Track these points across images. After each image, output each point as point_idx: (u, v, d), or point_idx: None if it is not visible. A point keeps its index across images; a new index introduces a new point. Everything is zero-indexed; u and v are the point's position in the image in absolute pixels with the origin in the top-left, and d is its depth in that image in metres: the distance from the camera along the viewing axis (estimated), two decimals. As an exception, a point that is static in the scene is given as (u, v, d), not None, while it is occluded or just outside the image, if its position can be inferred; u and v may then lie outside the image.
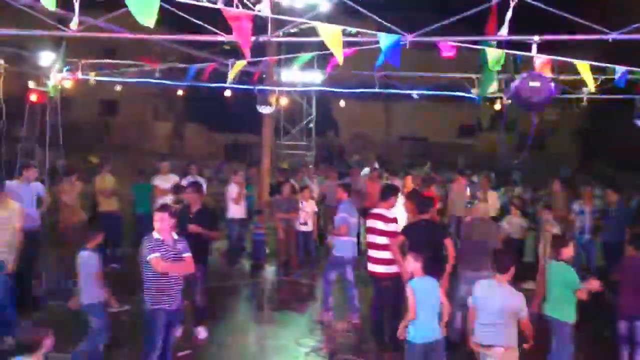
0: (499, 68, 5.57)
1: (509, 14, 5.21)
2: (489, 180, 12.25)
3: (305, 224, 10.65)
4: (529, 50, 5.63)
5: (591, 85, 6.74)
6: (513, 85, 5.15)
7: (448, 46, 5.35)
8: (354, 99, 22.05)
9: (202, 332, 7.38)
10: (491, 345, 5.11)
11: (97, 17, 6.12)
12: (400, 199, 8.17)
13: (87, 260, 6.16)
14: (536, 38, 5.25)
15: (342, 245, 7.92)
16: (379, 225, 7.13)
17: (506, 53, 6.00)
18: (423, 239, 6.67)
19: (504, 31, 5.22)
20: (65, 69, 9.29)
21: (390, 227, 7.07)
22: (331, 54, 5.24)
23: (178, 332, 6.58)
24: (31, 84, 9.12)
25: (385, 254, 7.06)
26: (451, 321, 6.93)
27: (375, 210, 7.34)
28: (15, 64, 9.44)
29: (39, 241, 8.88)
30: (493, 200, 11.59)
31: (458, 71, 10.90)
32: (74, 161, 13.63)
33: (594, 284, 5.78)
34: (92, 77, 9.81)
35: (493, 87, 7.37)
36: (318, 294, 9.22)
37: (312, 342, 7.57)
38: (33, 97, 9.07)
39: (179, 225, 6.52)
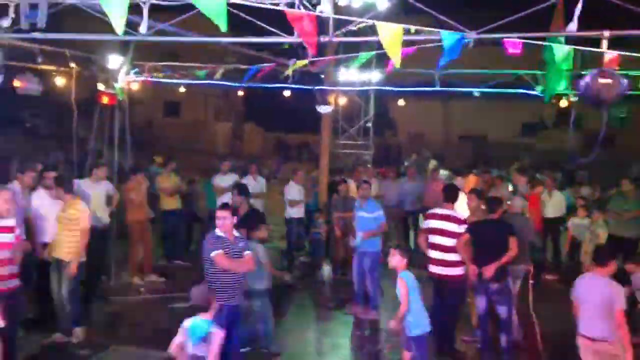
0: (568, 65, 5.39)
1: (579, 9, 5.03)
2: (554, 180, 11.83)
3: None
4: (597, 46, 5.43)
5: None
6: (582, 82, 4.97)
7: (514, 43, 5.21)
8: (412, 98, 21.81)
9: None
10: (596, 338, 5.17)
11: (162, 21, 6.32)
12: (462, 198, 8.02)
13: (258, 250, 6.70)
14: (606, 33, 5.05)
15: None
16: (451, 227, 6.95)
17: (575, 50, 5.81)
18: (490, 238, 6.69)
19: (572, 26, 5.04)
20: (132, 72, 9.63)
21: (462, 228, 6.88)
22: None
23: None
24: (100, 87, 9.48)
25: (452, 256, 6.94)
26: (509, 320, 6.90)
27: (443, 211, 7.14)
28: (85, 67, 9.84)
29: (108, 238, 9.27)
30: (558, 201, 11.24)
31: (519, 68, 10.61)
32: (140, 160, 14.10)
33: None
34: (158, 79, 10.13)
35: (563, 84, 7.11)
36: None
37: (369, 341, 7.59)
38: (103, 99, 9.43)
39: None
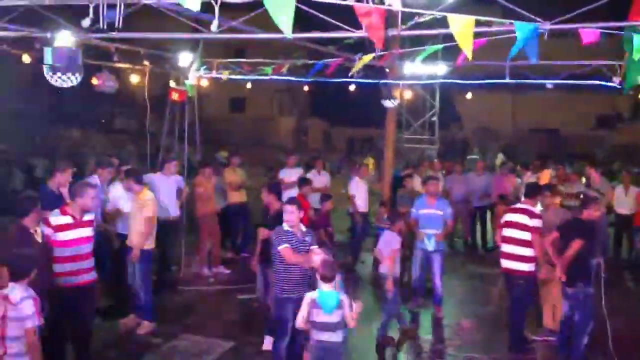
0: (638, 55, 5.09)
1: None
2: (630, 175, 11.29)
3: None
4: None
5: None
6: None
7: (590, 33, 4.99)
8: (480, 91, 21.31)
9: (267, 343, 6.77)
10: None
11: (229, 18, 6.44)
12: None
13: (391, 238, 7.20)
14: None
15: None
16: (523, 219, 6.89)
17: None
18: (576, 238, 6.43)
19: (653, 14, 4.77)
20: (202, 69, 9.86)
21: (535, 222, 6.83)
22: (459, 47, 5.13)
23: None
24: (172, 83, 9.77)
25: (525, 251, 6.83)
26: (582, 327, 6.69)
27: (520, 205, 7.18)
28: (157, 65, 10.17)
29: (178, 230, 9.59)
30: (634, 197, 10.72)
31: (594, 58, 10.16)
32: (208, 155, 14.48)
33: None
34: (226, 76, 10.34)
35: None
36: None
37: (431, 335, 7.53)
38: (174, 96, 9.72)
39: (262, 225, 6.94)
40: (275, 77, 10.24)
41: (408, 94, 15.78)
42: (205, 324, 7.66)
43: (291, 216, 5.88)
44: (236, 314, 8.20)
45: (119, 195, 7.85)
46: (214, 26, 4.85)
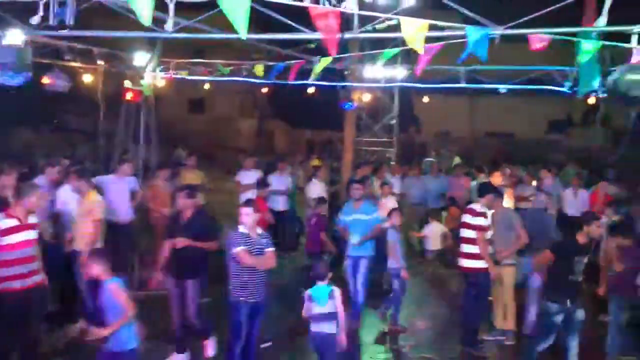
0: (597, 61, 5.28)
1: (608, 3, 4.92)
2: (580, 179, 11.64)
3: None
4: (627, 41, 5.31)
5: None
6: (610, 78, 4.88)
7: (539, 38, 5.12)
8: (438, 95, 21.64)
9: (209, 348, 6.74)
10: None
11: (188, 18, 6.36)
12: None
13: (391, 233, 7.79)
14: (636, 29, 4.94)
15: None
16: (468, 218, 7.18)
17: (605, 45, 5.70)
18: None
19: (602, 21, 4.94)
20: (158, 69, 9.72)
21: (478, 220, 7.05)
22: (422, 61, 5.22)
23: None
24: (127, 83, 9.59)
25: (475, 249, 7.05)
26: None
27: (470, 205, 7.47)
28: (112, 64, 9.98)
29: (132, 234, 9.38)
30: (584, 199, 11.05)
31: (548, 64, 10.45)
32: (165, 157, 14.25)
33: None
34: (183, 76, 10.21)
35: (597, 81, 6.98)
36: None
37: (387, 336, 7.60)
38: (129, 96, 9.55)
39: (168, 234, 6.53)
40: (233, 78, 10.18)
41: (367, 97, 15.85)
42: (156, 329, 7.50)
43: (247, 218, 5.84)
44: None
45: (67, 197, 7.57)
46: (168, 25, 4.79)
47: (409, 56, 10.28)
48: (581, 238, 6.13)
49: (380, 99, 18.77)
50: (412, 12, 5.83)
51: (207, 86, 12.84)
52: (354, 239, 7.74)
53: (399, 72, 13.17)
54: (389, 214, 8.05)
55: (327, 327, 5.59)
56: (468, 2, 5.92)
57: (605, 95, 6.55)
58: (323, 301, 5.59)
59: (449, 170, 14.52)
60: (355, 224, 7.86)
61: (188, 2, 5.01)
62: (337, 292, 5.65)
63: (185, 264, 6.38)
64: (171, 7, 4.63)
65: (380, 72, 12.90)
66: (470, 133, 30.96)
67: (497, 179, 9.83)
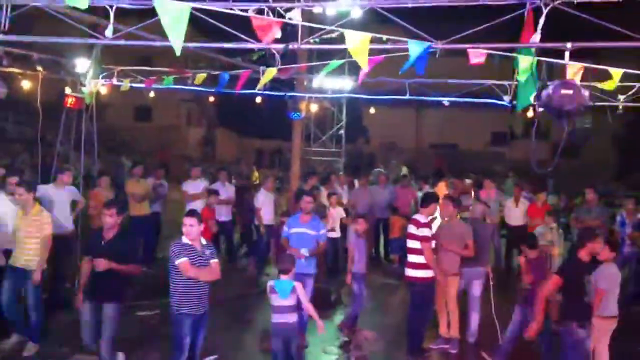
0: (533, 76, 5.48)
1: (542, 21, 5.13)
2: (520, 189, 12.03)
3: (333, 230, 10.59)
4: (563, 57, 5.54)
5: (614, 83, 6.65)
6: (545, 92, 5.07)
7: (477, 53, 5.29)
8: (385, 106, 21.96)
9: None
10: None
11: (132, 25, 6.25)
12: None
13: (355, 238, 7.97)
14: (569, 45, 5.16)
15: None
16: (413, 229, 7.23)
17: (541, 61, 5.93)
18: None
19: (536, 38, 5.15)
20: (100, 76, 9.48)
21: (422, 231, 7.12)
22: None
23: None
24: (67, 90, 9.32)
25: (419, 259, 7.13)
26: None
27: (414, 216, 7.51)
28: (52, 71, 9.67)
29: (72, 244, 9.08)
30: (524, 210, 11.41)
31: (491, 77, 10.77)
32: (109, 165, 13.93)
33: None
34: (126, 84, 10.00)
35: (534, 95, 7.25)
36: (346, 300, 9.22)
37: (338, 348, 7.58)
38: (69, 102, 9.27)
39: (90, 253, 6.13)
40: (179, 87, 10.04)
41: (315, 107, 15.94)
42: (99, 343, 7.27)
43: (191, 229, 5.74)
44: (134, 331, 7.86)
45: (3, 209, 7.24)
46: (108, 31, 4.68)
47: (356, 68, 10.40)
48: (584, 256, 5.89)
49: (329, 110, 18.93)
50: (361, 26, 5.92)
51: (152, 94, 12.58)
52: (304, 252, 7.35)
53: (347, 83, 13.33)
54: (354, 221, 8.21)
55: (289, 318, 6.03)
56: (412, 17, 6.07)
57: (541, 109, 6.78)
58: (284, 294, 5.99)
59: (396, 180, 14.73)
60: (301, 238, 7.53)
61: (130, 9, 4.92)
62: (299, 287, 6.04)
63: (103, 287, 6.02)
64: (112, 13, 4.53)
65: (328, 83, 13.02)
66: (416, 144, 31.60)
67: (442, 189, 10.05)
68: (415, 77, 9.98)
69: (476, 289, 7.60)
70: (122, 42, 5.64)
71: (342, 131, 18.89)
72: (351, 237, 8.11)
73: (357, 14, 6.63)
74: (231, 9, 4.65)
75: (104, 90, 10.05)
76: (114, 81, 9.81)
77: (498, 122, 28.22)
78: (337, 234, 10.75)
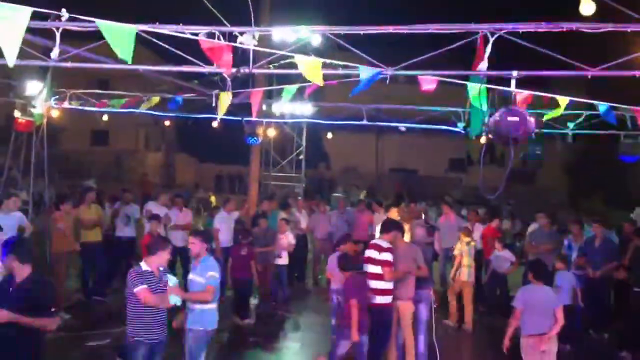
0: (480, 103, 5.61)
1: (489, 50, 5.27)
2: (476, 214, 12.20)
3: (280, 257, 10.48)
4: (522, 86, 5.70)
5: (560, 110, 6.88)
6: (492, 119, 5.18)
7: (428, 80, 5.38)
8: (346, 132, 22.18)
9: None
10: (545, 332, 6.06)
11: (80, 47, 6.14)
12: None
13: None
14: (515, 73, 5.31)
15: None
16: (374, 254, 7.12)
17: (491, 88, 6.08)
18: None
19: (483, 66, 5.27)
20: (52, 99, 9.29)
21: (383, 256, 7.04)
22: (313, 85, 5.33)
23: None
24: (17, 113, 9.08)
25: (378, 284, 7.04)
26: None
27: (373, 241, 7.43)
28: (1, 93, 9.44)
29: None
30: (480, 234, 11.55)
31: (447, 105, 10.99)
32: (66, 190, 13.58)
33: None
34: (76, 107, 9.81)
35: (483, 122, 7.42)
36: (289, 327, 9.26)
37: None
38: (19, 126, 9.04)
39: None
40: (133, 110, 9.90)
41: (272, 132, 15.96)
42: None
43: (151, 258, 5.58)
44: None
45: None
46: (54, 53, 4.59)
47: (315, 93, 10.47)
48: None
49: (289, 135, 18.97)
50: (316, 52, 5.97)
51: (105, 117, 12.35)
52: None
53: (307, 108, 13.38)
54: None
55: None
56: (368, 45, 6.15)
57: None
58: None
59: (355, 205, 14.78)
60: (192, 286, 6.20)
61: (76, 31, 4.83)
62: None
63: (3, 343, 4.72)
64: (57, 35, 4.44)
65: (288, 107, 13.05)
66: (376, 169, 31.91)
67: (394, 214, 10.08)
68: (372, 103, 10.12)
69: (423, 312, 7.59)
70: (71, 64, 5.53)
71: (302, 156, 18.93)
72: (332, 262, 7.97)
73: (316, 41, 6.70)
74: (182, 32, 4.61)
75: (55, 114, 9.82)
76: (66, 104, 9.61)
77: (456, 148, 28.77)
78: (284, 261, 10.62)
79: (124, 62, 6.39)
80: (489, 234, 10.95)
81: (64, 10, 4.41)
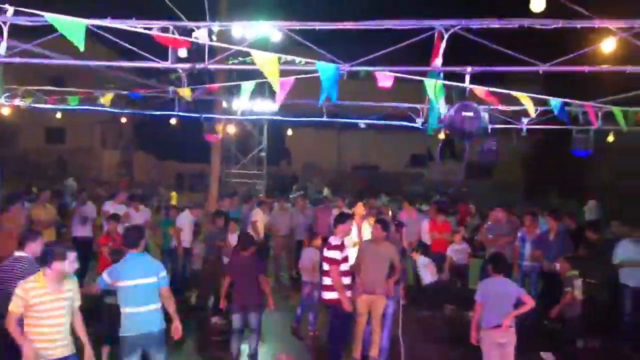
0: (437, 99, 5.67)
1: (443, 45, 5.34)
2: (436, 209, 12.35)
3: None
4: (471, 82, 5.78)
5: (532, 112, 6.97)
6: (447, 114, 5.25)
7: (385, 76, 5.42)
8: (307, 128, 22.16)
9: None
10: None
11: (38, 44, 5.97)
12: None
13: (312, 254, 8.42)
14: (469, 69, 5.39)
15: None
16: (324, 251, 7.19)
17: (447, 84, 6.16)
18: None
19: (438, 62, 5.34)
20: (3, 96, 8.99)
21: (330, 253, 7.05)
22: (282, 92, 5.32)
23: None
24: (-37, 111, 8.76)
25: (330, 281, 7.07)
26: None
27: (329, 238, 7.38)
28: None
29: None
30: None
31: (406, 101, 11.08)
32: (20, 190, 13.21)
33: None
34: (28, 104, 9.53)
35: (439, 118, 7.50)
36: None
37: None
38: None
39: None
40: (85, 107, 9.65)
41: (232, 129, 15.81)
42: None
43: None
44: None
45: None
46: (1, 49, 4.44)
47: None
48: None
49: (250, 132, 18.87)
50: (275, 49, 5.92)
51: (58, 115, 12.03)
52: None
53: (268, 105, 13.29)
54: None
55: None
56: (326, 42, 6.15)
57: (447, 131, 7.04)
58: None
59: (315, 202, 14.78)
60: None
61: (26, 26, 4.68)
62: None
63: None
64: (5, 30, 4.30)
65: (249, 104, 12.93)
66: (338, 165, 32.01)
67: (359, 209, 10.10)
68: (331, 100, 10.13)
69: (390, 307, 7.67)
70: (17, 59, 5.37)
71: (263, 153, 18.86)
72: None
73: (276, 37, 6.66)
74: (134, 27, 4.52)
75: (6, 111, 9.51)
76: (17, 101, 9.32)
77: (417, 144, 29.07)
78: None
79: (76, 57, 6.26)
80: (436, 229, 11.17)
81: (7, 5, 4.28)
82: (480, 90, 6.26)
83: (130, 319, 5.45)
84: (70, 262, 4.70)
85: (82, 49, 3.97)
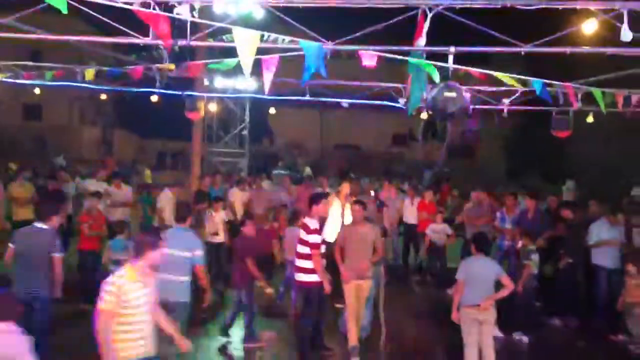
0: (420, 79, 5.67)
1: (427, 25, 5.33)
2: (415, 189, 12.46)
3: (216, 234, 10.29)
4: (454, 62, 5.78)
5: (518, 87, 7.01)
6: (430, 95, 5.26)
7: (369, 55, 5.40)
8: (290, 107, 22.06)
9: None
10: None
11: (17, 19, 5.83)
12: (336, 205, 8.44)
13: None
14: (452, 49, 5.39)
15: None
16: (302, 234, 7.04)
17: (431, 64, 6.14)
18: None
19: (421, 42, 5.34)
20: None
21: (310, 237, 6.91)
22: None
23: None
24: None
25: (306, 263, 6.96)
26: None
27: (303, 220, 7.22)
28: None
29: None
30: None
31: (388, 81, 11.05)
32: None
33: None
34: (2, 79, 9.33)
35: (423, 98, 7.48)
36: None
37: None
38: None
39: None
40: (64, 83, 9.46)
41: (214, 107, 15.67)
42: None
43: None
44: None
45: None
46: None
47: (257, 67, 10.33)
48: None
49: (232, 110, 18.72)
50: (258, 27, 5.84)
51: (36, 91, 11.77)
52: None
53: (250, 83, 13.17)
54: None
55: None
56: (310, 20, 6.09)
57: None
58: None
59: (298, 181, 14.76)
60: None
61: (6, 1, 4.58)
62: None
63: None
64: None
65: (231, 82, 12.80)
66: (321, 144, 32.00)
67: (345, 189, 10.05)
68: (315, 78, 10.08)
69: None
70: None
71: (245, 131, 18.74)
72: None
73: (258, 14, 6.58)
74: (115, 2, 4.44)
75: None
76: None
77: (399, 124, 29.13)
78: (221, 238, 10.41)
79: (55, 32, 6.14)
80: (423, 209, 11.28)
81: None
82: (464, 70, 6.28)
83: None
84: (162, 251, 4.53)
85: (64, 11, 3.90)
